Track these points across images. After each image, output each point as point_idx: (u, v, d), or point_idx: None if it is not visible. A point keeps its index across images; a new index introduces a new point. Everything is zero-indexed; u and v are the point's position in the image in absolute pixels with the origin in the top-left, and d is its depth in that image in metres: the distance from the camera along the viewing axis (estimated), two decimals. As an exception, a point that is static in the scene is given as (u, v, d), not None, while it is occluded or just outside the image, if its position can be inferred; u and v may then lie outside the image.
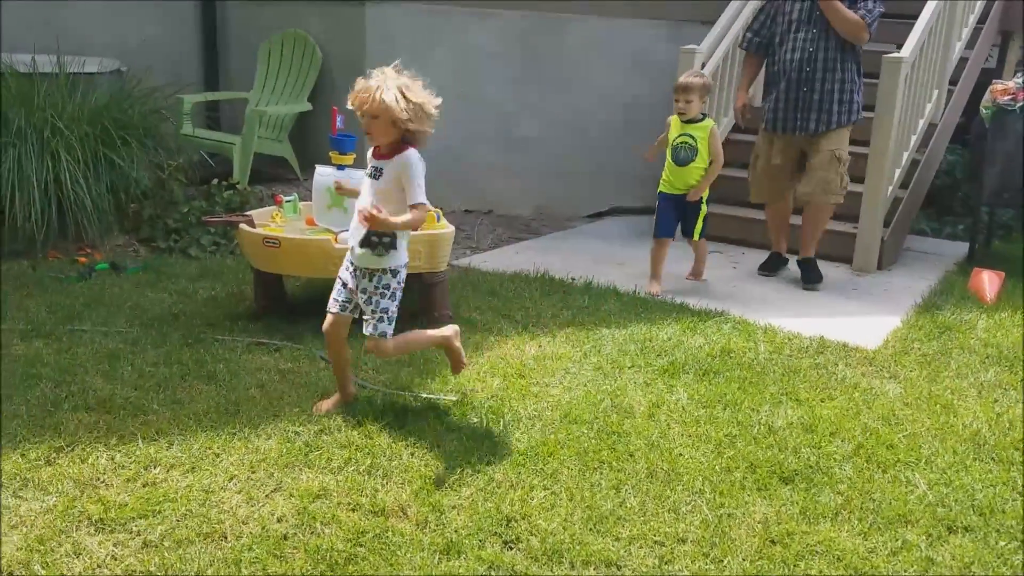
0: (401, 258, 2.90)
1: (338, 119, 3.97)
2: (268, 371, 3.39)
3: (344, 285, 2.96)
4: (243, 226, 3.86)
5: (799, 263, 4.87)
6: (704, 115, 4.49)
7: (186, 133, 5.71)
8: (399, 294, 2.92)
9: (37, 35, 5.62)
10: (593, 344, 3.80)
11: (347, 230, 3.83)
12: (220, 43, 6.51)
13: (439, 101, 2.77)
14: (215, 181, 5.28)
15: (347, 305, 2.97)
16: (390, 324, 2.90)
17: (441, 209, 4.24)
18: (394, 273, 2.90)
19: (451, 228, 4.04)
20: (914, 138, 5.54)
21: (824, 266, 5.02)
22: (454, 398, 3.21)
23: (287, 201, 4.17)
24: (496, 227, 5.93)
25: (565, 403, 3.23)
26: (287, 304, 4.03)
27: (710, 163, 4.47)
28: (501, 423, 3.04)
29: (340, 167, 3.94)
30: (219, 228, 4.85)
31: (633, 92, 6.11)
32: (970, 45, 6.16)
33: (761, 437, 3.05)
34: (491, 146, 6.10)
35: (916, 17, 5.28)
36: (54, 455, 2.69)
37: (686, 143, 4.44)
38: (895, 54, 5.00)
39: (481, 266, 4.94)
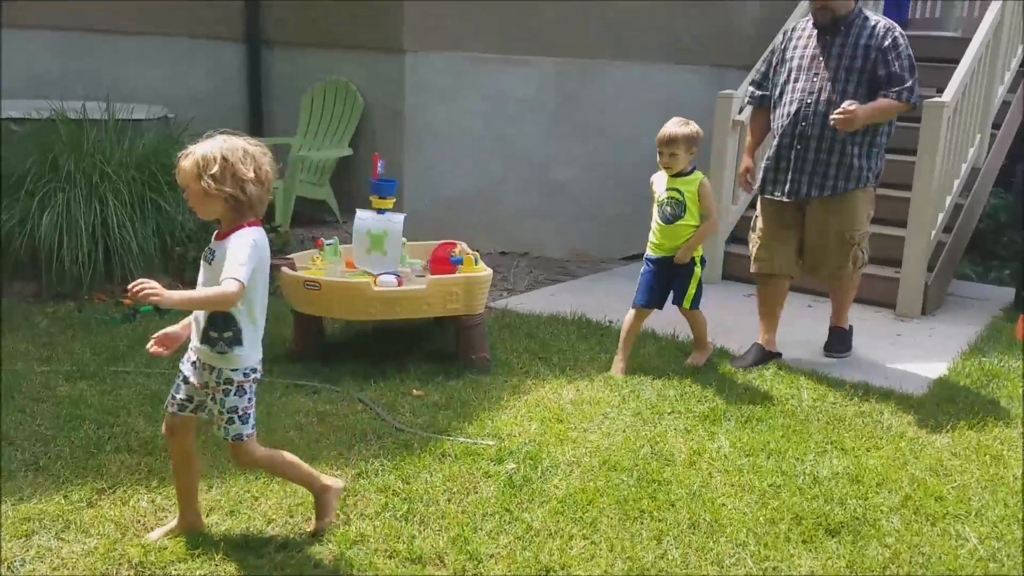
0: (251, 358, 2.40)
1: (379, 164, 4.04)
2: (306, 413, 3.40)
3: (185, 380, 2.45)
4: (284, 269, 3.92)
5: (830, 329, 4.38)
6: (694, 168, 3.90)
7: (230, 177, 5.82)
8: (250, 390, 2.41)
9: (87, 83, 5.83)
10: (632, 389, 3.77)
11: (386, 272, 3.91)
12: (265, 91, 6.68)
13: (267, 170, 2.35)
14: (257, 224, 5.38)
15: (187, 404, 2.45)
16: (244, 424, 2.41)
17: (478, 252, 4.28)
18: (241, 371, 2.39)
19: (488, 271, 4.06)
20: (957, 182, 5.47)
21: (866, 311, 4.94)
22: (491, 443, 3.19)
23: (327, 244, 4.23)
24: (532, 269, 5.94)
25: (604, 449, 3.19)
26: (326, 346, 4.06)
27: (702, 220, 3.92)
28: (539, 469, 3.01)
29: (380, 211, 4.01)
30: (260, 270, 4.92)
31: (669, 136, 6.13)
32: (1013, 89, 6.10)
33: (806, 487, 2.97)
34: (526, 190, 6.15)
35: (957, 61, 5.25)
36: (96, 497, 2.72)
37: (673, 198, 3.87)
38: (937, 99, 4.96)
39: (517, 308, 4.94)
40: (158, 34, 6.40)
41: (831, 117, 3.73)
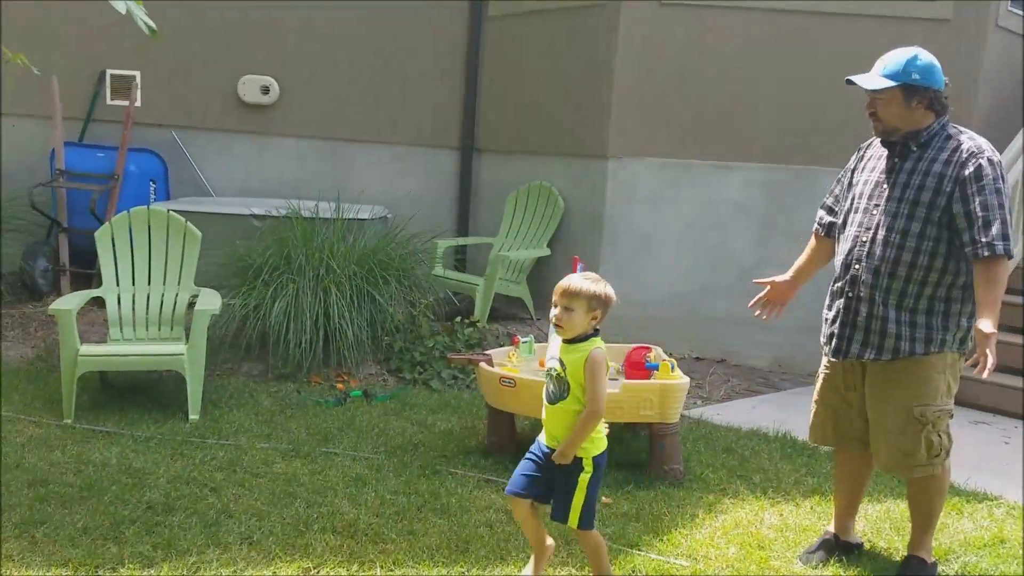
0: None
1: (578, 267, 4.11)
2: (496, 510, 3.42)
3: None
4: (482, 364, 4.04)
5: (905, 558, 3.12)
6: (595, 333, 2.73)
7: (437, 274, 6.17)
8: None
9: (323, 185, 6.46)
10: (840, 518, 3.47)
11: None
12: (474, 193, 7.08)
13: None
14: (458, 318, 5.62)
15: None
16: None
17: (674, 358, 4.19)
18: None
19: (686, 379, 3.96)
20: None
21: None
22: (685, 564, 3.04)
23: (523, 342, 4.33)
24: (730, 377, 5.73)
25: (810, 583, 2.95)
26: (517, 443, 4.09)
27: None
28: (737, 597, 2.82)
29: (578, 313, 4.05)
30: (459, 364, 5.11)
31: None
32: None
33: (1055, 655, 2.57)
34: (729, 295, 6.00)
35: None
36: None
37: (554, 371, 2.76)
38: None
39: (714, 419, 4.76)
40: (384, 143, 7.02)
41: (981, 375, 2.68)
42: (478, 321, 5.77)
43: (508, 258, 6.20)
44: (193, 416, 4.30)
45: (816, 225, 3.29)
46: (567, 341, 2.75)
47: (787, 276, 3.30)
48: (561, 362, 2.74)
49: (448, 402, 4.80)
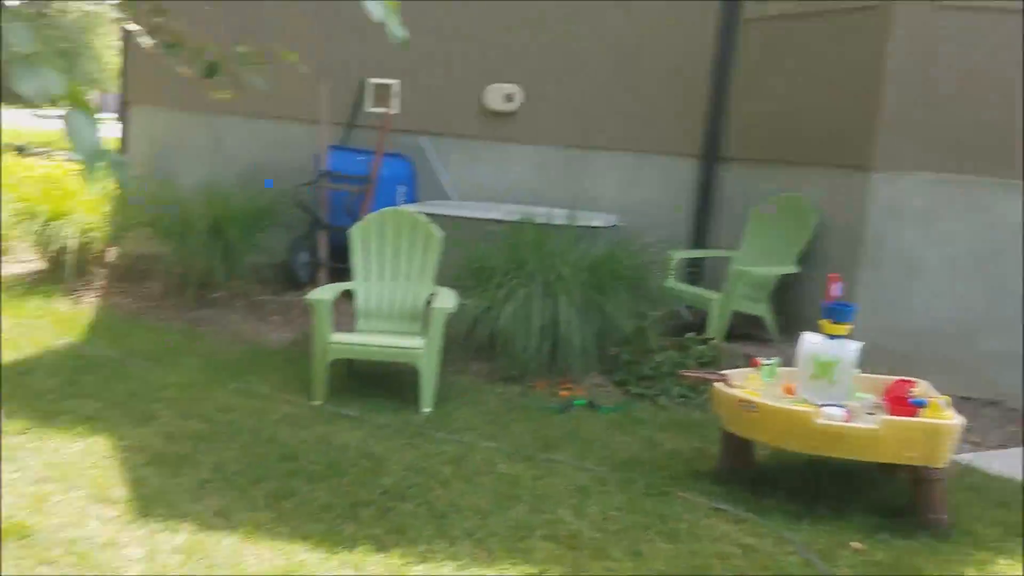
0: None
1: (835, 287, 3.74)
2: (730, 542, 3.17)
3: None
4: (720, 385, 3.78)
5: None
6: None
7: (669, 286, 5.95)
8: None
9: (559, 191, 6.46)
10: None
11: (832, 404, 3.54)
12: (715, 204, 6.76)
13: None
14: (690, 334, 5.36)
15: None
16: None
17: (948, 397, 3.68)
18: None
19: (959, 419, 3.46)
20: None
21: None
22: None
23: (766, 364, 4.01)
24: (1006, 423, 4.99)
25: None
26: (754, 472, 3.79)
27: None
28: None
29: (831, 336, 3.68)
30: (691, 382, 4.85)
31: None
32: None
33: None
34: (1010, 330, 5.24)
35: None
36: (523, 581, 2.78)
37: None
38: None
39: (987, 468, 4.15)
40: (621, 150, 6.91)
41: None
42: (712, 339, 5.48)
43: (750, 273, 5.84)
44: (426, 409, 4.42)
45: None
46: None
47: None
48: None
49: (677, 421, 4.58)
